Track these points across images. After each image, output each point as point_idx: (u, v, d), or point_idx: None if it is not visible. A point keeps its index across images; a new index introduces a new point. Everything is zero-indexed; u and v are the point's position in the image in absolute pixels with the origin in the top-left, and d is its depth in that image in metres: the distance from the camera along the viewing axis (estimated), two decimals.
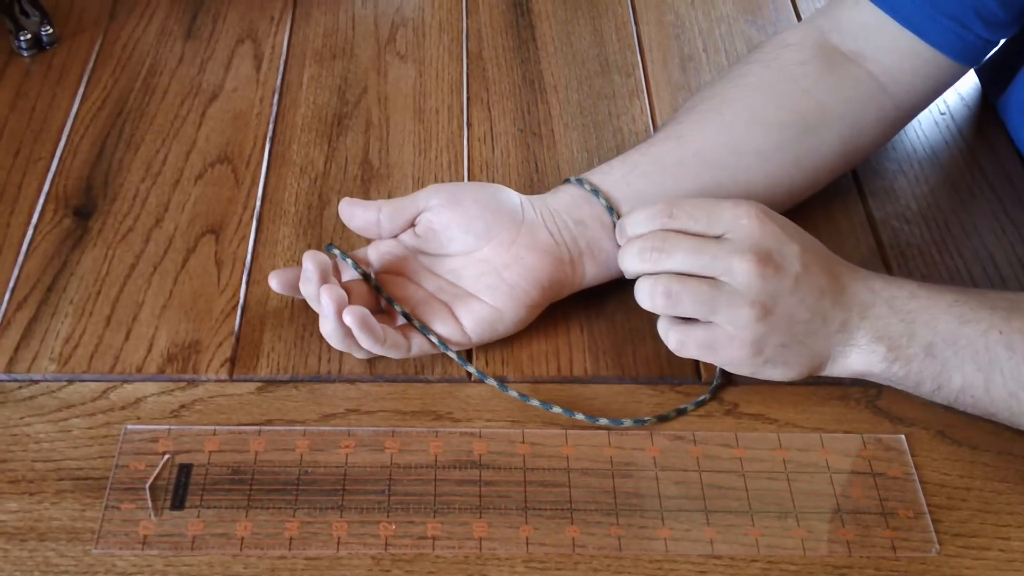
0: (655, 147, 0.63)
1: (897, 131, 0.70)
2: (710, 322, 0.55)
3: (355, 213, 0.60)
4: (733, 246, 0.54)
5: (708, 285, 0.54)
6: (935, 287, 0.57)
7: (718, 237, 0.55)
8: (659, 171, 0.62)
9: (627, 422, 0.58)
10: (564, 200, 0.61)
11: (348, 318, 0.55)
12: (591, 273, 0.61)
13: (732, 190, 0.62)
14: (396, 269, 0.60)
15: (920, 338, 0.55)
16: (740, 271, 0.54)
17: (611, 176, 0.62)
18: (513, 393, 0.58)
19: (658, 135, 0.65)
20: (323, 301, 0.55)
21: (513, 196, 0.61)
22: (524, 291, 0.59)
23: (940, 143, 0.74)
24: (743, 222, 0.54)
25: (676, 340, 0.56)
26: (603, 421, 0.57)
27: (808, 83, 0.65)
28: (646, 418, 0.58)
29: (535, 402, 0.58)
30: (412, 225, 0.60)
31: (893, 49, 0.65)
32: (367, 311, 0.55)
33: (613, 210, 0.60)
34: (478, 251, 0.59)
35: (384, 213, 0.59)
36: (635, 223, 0.57)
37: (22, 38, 0.77)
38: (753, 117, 0.64)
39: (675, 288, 0.54)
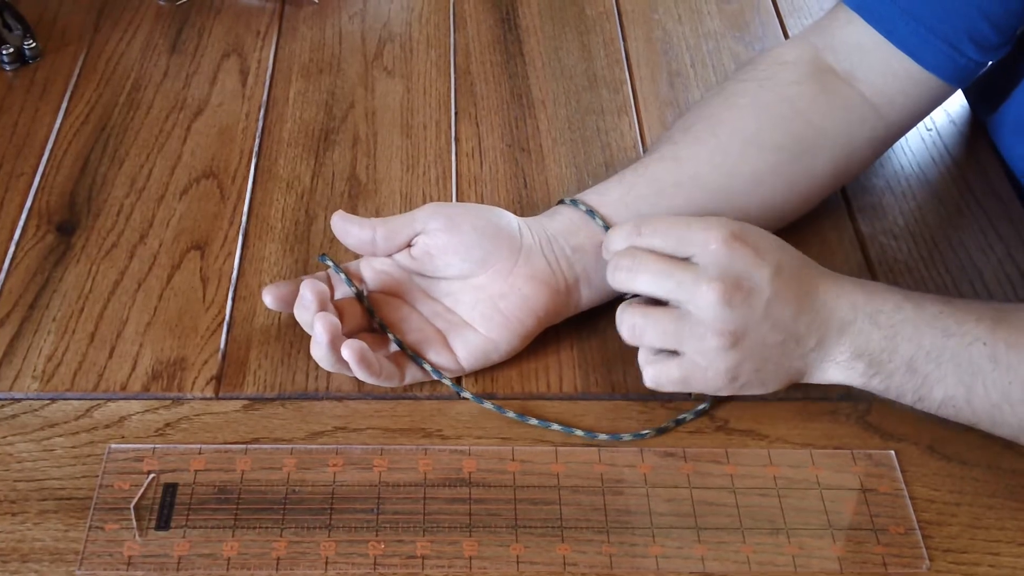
0: (652, 168, 0.63)
1: (886, 150, 0.71)
2: (683, 352, 0.55)
3: (349, 231, 0.59)
4: (699, 273, 0.53)
5: (673, 318, 0.54)
6: (921, 298, 0.56)
7: (689, 258, 0.55)
8: (656, 193, 0.62)
9: (626, 436, 0.57)
10: (562, 224, 0.61)
11: (347, 352, 0.54)
12: (586, 299, 0.61)
13: (727, 213, 0.62)
14: (391, 289, 0.60)
15: (902, 353, 0.55)
16: (705, 300, 0.53)
17: (608, 197, 0.61)
18: (511, 414, 0.58)
19: (654, 155, 0.64)
20: (317, 330, 0.55)
21: (512, 221, 0.60)
22: (520, 321, 0.58)
23: (927, 160, 0.74)
24: (712, 247, 0.53)
25: (651, 379, 0.56)
26: (602, 437, 0.57)
27: (803, 104, 0.65)
28: (644, 431, 0.58)
29: (533, 421, 0.58)
30: (408, 245, 0.60)
31: (886, 71, 0.65)
32: (365, 346, 0.55)
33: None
34: (474, 277, 0.59)
35: (380, 234, 0.59)
36: (611, 240, 0.57)
37: (4, 52, 0.76)
38: (748, 140, 0.64)
39: (639, 322, 0.55)
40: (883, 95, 0.65)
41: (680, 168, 0.62)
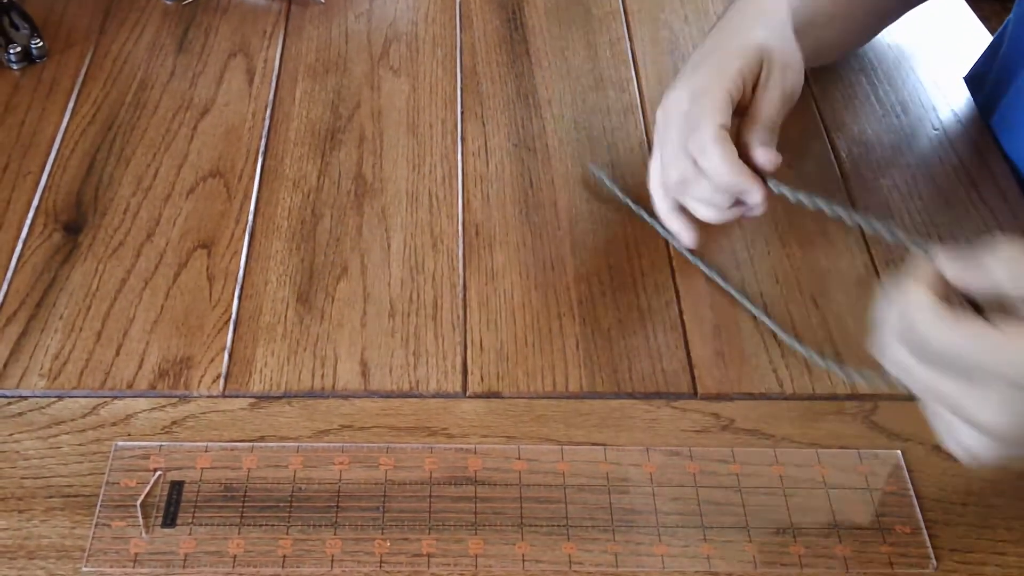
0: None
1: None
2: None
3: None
4: (977, 404, 0.44)
5: (930, 405, 0.47)
6: None
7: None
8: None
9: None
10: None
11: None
12: None
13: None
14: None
15: None
16: (980, 428, 0.44)
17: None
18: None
19: None
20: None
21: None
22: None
23: (934, 159, 0.74)
24: (998, 385, 0.42)
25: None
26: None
27: None
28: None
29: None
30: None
31: None
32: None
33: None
34: None
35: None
36: (885, 342, 0.47)
37: (11, 51, 0.77)
38: None
39: (904, 378, 0.46)
40: None
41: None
